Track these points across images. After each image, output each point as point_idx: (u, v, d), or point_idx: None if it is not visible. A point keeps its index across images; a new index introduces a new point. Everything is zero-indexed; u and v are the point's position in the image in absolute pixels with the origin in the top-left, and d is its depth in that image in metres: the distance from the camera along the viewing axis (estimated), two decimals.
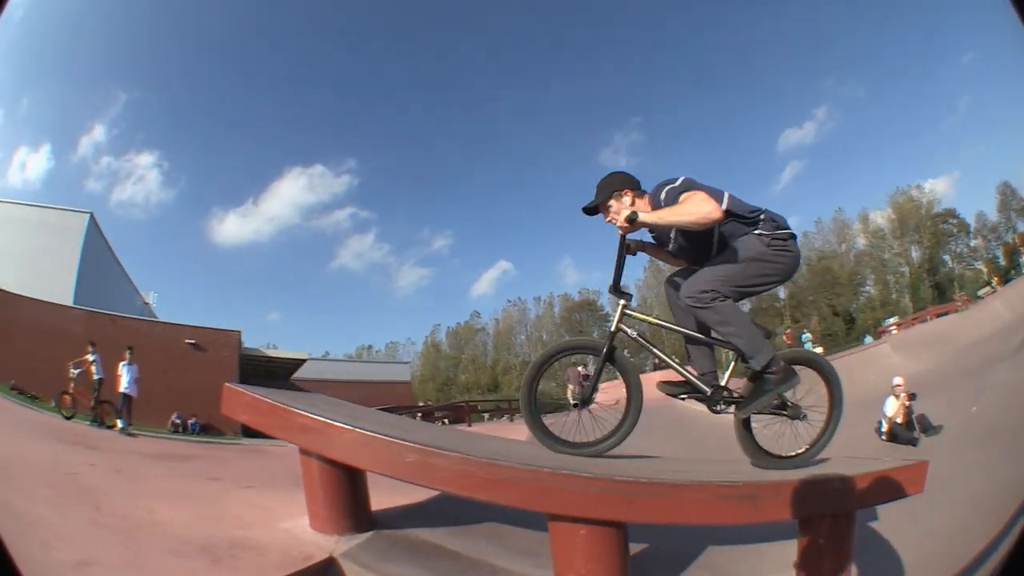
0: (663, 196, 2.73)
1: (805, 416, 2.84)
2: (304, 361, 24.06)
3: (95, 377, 10.40)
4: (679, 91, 59.82)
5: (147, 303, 27.85)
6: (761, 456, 2.88)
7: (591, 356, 2.96)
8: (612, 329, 2.87)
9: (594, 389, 2.98)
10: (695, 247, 2.88)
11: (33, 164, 42.39)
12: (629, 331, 2.86)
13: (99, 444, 7.36)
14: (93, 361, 10.49)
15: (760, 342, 2.69)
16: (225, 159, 53.22)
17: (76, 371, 10.47)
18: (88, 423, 10.12)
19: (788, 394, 2.78)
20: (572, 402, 4.53)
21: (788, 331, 27.99)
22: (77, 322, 17.18)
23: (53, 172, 41.07)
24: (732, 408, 2.80)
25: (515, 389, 38.06)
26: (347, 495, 2.54)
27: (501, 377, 52.50)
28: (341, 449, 2.41)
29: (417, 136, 58.02)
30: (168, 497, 3.64)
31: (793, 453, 2.85)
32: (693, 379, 2.84)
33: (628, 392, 2.84)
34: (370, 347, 55.00)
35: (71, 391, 10.48)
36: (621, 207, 2.80)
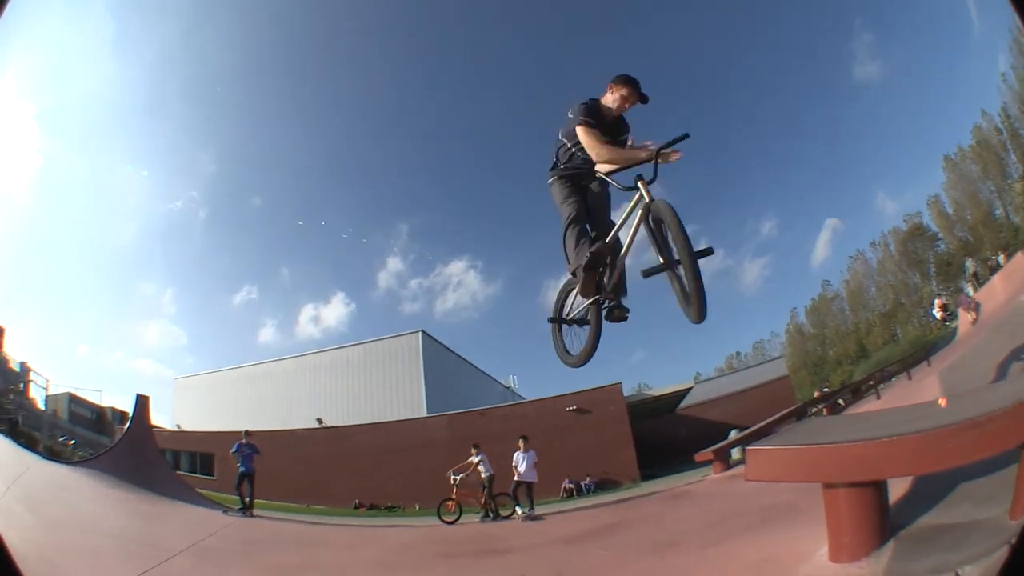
0: None
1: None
2: (689, 390, 22.71)
3: (484, 475, 10.69)
4: None
5: (508, 387, 30.49)
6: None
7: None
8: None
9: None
10: None
11: (329, 314, 47.34)
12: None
13: (517, 540, 7.13)
14: (479, 461, 10.83)
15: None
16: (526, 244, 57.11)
17: (457, 476, 10.89)
18: (479, 519, 10.49)
19: None
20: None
21: None
22: (439, 428, 19.04)
23: (355, 313, 45.25)
24: None
25: (881, 345, 37.23)
26: (876, 512, 2.65)
27: (865, 338, 44.95)
28: (901, 463, 2.59)
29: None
30: None
31: None
32: None
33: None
34: (738, 353, 52.21)
35: (454, 496, 10.87)
36: None
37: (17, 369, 28.79)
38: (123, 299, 48.85)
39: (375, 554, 6.95)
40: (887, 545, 2.46)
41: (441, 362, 25.23)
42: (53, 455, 13.76)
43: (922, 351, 18.71)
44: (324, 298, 53.39)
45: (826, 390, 29.41)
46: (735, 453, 10.68)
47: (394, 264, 48.19)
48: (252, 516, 10.84)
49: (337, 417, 23.64)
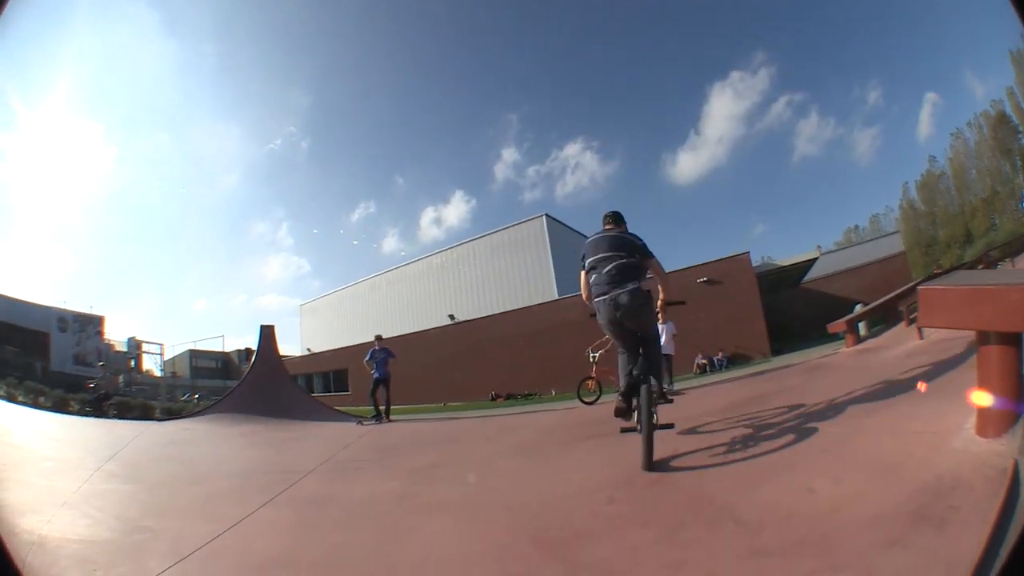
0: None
1: None
2: (815, 260, 21.35)
3: None
4: None
5: None
6: None
7: None
8: None
9: None
10: None
11: (449, 214, 49.11)
12: None
13: (662, 415, 6.42)
14: None
15: None
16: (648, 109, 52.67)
17: (595, 354, 10.39)
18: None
19: None
20: None
21: None
22: (572, 309, 18.18)
23: (476, 209, 46.32)
24: None
25: (984, 231, 34.22)
26: None
27: (970, 222, 40.22)
28: None
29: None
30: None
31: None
32: None
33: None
34: (856, 227, 47.79)
35: (594, 375, 10.39)
36: None
37: (125, 348, 31.31)
38: (236, 245, 52.72)
39: (515, 443, 6.64)
40: None
41: (567, 243, 24.62)
42: (172, 415, 14.13)
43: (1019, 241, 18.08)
44: (443, 199, 54.56)
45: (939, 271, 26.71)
46: (861, 328, 10.77)
47: (509, 155, 48.29)
48: (389, 422, 10.66)
49: (469, 311, 24.13)
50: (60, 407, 13.61)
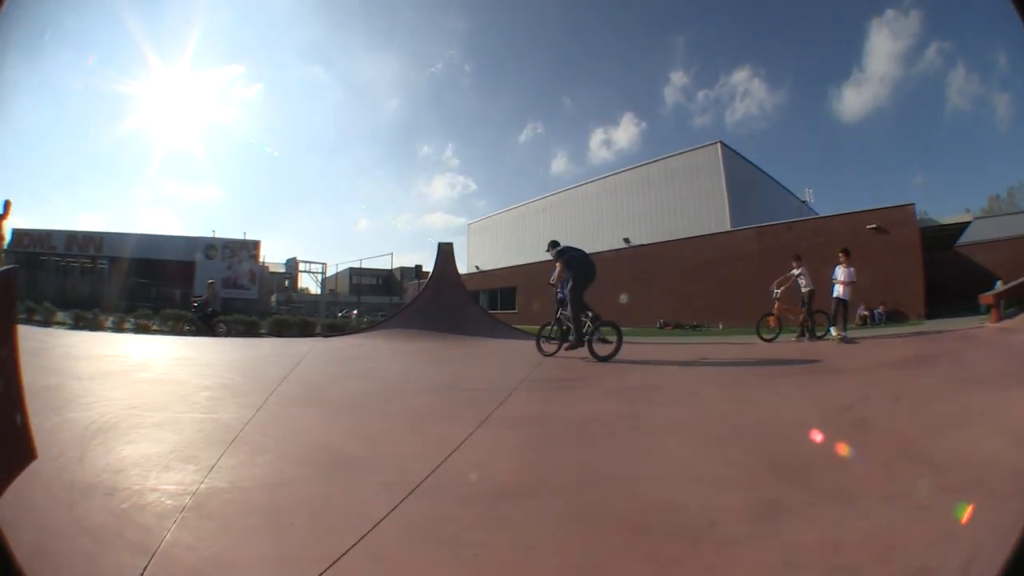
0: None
1: None
2: (968, 224, 18.79)
3: (805, 290, 9.96)
4: None
5: (804, 201, 26.84)
6: None
7: None
8: None
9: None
10: None
11: (619, 136, 48.14)
12: None
13: (842, 361, 6.82)
14: (800, 275, 10.08)
15: None
16: (813, 39, 47.03)
17: (778, 290, 10.14)
18: (795, 338, 9.92)
19: None
20: None
21: None
22: (746, 242, 17.71)
23: (646, 132, 44.91)
24: None
25: None
26: None
27: None
28: None
29: None
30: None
31: None
32: None
33: None
34: (998, 196, 38.78)
35: (776, 311, 10.10)
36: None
37: (283, 269, 33.79)
38: (400, 166, 55.81)
39: (712, 372, 6.70)
40: None
41: (740, 174, 23.22)
42: (335, 330, 14.02)
43: None
44: (612, 121, 53.61)
45: None
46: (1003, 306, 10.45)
47: (678, 78, 47.12)
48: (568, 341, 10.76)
49: (637, 237, 23.71)
50: (203, 331, 13.14)
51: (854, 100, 51.67)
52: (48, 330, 12.82)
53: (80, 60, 33.69)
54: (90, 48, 36.66)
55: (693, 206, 22.55)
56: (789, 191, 27.07)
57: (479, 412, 4.14)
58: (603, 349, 7.47)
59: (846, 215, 18.10)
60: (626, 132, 47.42)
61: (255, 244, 30.38)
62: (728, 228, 20.33)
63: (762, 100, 44.04)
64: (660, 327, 16.90)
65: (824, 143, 47.46)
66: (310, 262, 34.85)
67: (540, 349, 8.45)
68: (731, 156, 22.95)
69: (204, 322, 13.45)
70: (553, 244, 8.56)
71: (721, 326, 15.94)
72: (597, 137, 51.69)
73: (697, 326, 16.42)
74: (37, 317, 14.93)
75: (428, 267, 19.74)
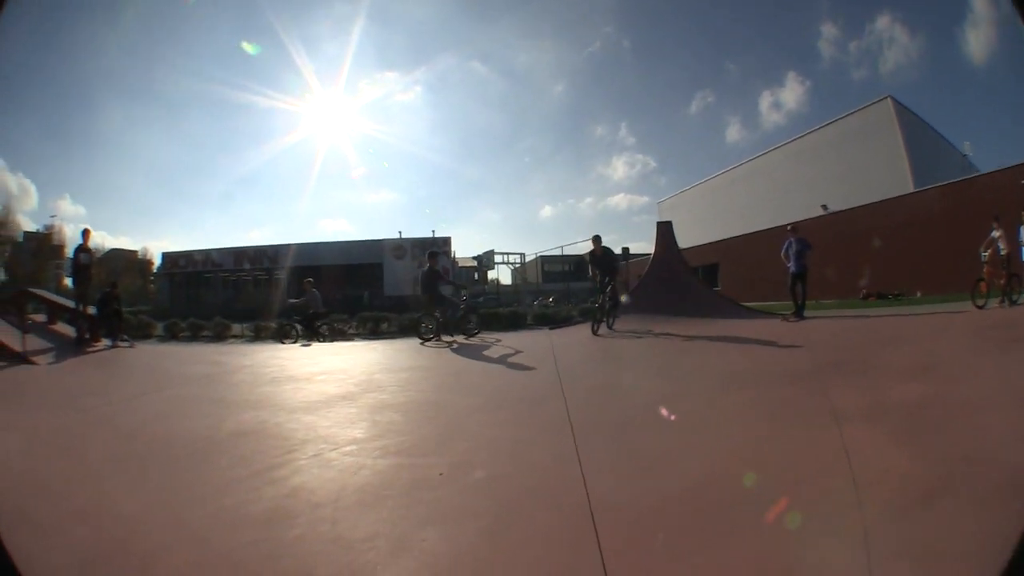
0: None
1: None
2: None
3: (1002, 252, 9.76)
4: None
5: (965, 155, 25.31)
6: None
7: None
8: None
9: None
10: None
11: (786, 97, 45.17)
12: None
13: None
14: (999, 237, 9.80)
15: None
16: None
17: (985, 253, 9.93)
18: (998, 304, 9.65)
19: None
20: None
21: None
22: (931, 203, 16.82)
23: (812, 90, 41.96)
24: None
25: None
26: None
27: None
28: None
29: None
30: None
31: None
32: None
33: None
34: None
35: (985, 276, 9.88)
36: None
37: (474, 263, 34.11)
38: (577, 150, 54.19)
39: (950, 347, 6.66)
40: None
41: (914, 129, 22.15)
42: (554, 323, 14.15)
43: None
44: (777, 81, 50.46)
45: None
46: None
47: (828, 30, 42.23)
48: (802, 319, 10.23)
49: (838, 201, 22.18)
50: (307, 336, 12.58)
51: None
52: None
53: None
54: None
55: (867, 169, 21.78)
56: (952, 144, 25.75)
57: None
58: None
59: (998, 171, 16.25)
60: (792, 92, 44.89)
61: (445, 240, 30.52)
62: (909, 190, 19.31)
63: (906, 45, 40.01)
64: (863, 298, 16.01)
65: (982, 87, 41.93)
66: (507, 253, 35.36)
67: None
68: (902, 111, 22.04)
69: (306, 326, 12.73)
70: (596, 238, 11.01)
71: (919, 294, 15.35)
72: (765, 100, 49.08)
73: (898, 295, 15.72)
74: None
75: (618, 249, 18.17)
